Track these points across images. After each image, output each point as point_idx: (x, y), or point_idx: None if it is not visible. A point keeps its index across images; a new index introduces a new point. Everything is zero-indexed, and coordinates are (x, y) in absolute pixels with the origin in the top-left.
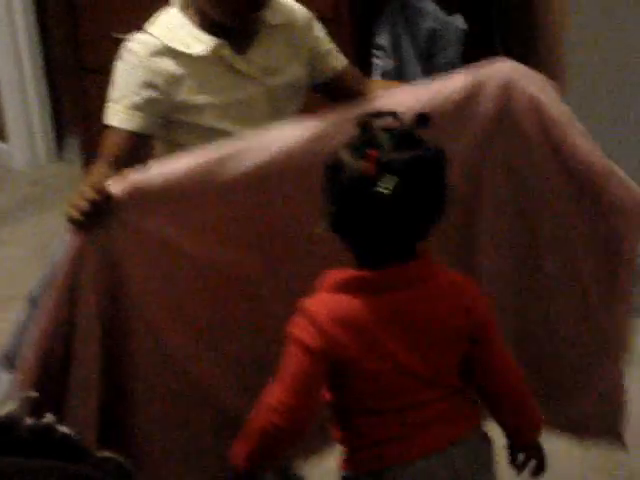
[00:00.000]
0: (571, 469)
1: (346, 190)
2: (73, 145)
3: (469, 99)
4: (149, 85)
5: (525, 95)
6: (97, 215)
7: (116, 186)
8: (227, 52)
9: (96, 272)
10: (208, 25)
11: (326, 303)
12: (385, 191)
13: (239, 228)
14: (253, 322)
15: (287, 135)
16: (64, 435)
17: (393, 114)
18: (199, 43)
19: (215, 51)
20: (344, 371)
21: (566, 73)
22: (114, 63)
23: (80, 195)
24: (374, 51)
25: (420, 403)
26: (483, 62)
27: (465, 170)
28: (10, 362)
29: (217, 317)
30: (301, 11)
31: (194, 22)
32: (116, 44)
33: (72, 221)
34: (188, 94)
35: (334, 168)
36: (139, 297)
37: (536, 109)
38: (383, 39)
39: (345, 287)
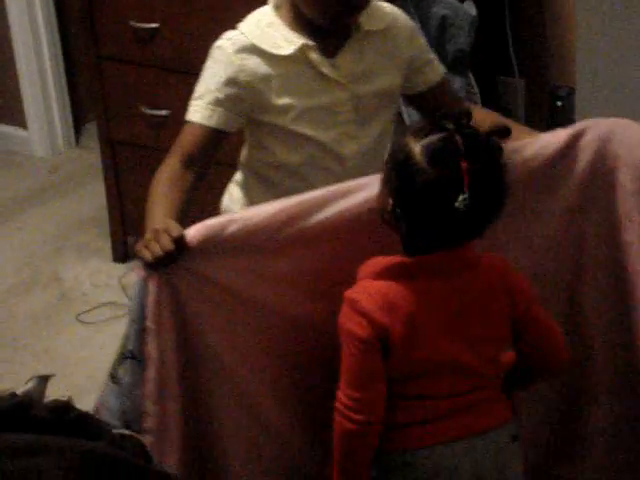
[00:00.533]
0: None
1: (418, 194)
2: (91, 132)
3: (564, 153)
4: (233, 82)
5: (626, 148)
6: (170, 262)
7: (193, 236)
8: (314, 54)
9: (171, 312)
10: (300, 24)
11: (369, 290)
12: (462, 207)
13: (314, 278)
14: (325, 371)
15: (373, 185)
16: (80, 414)
17: (468, 116)
18: (287, 43)
19: (302, 52)
20: (385, 355)
21: (576, 61)
22: (134, 51)
23: (154, 237)
24: None
25: (453, 393)
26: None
27: (562, 242)
28: (127, 423)
29: (288, 367)
30: (403, 20)
31: (285, 21)
32: (133, 32)
33: (144, 263)
34: (272, 94)
35: (406, 166)
36: (211, 343)
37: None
38: None
39: (390, 273)
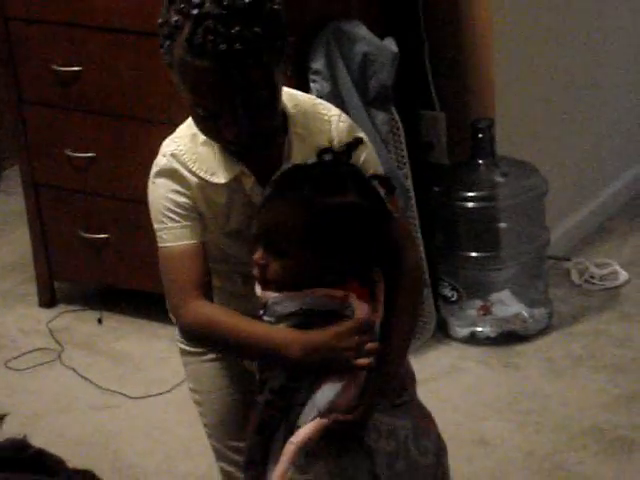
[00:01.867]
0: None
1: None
2: (11, 177)
3: None
4: (180, 193)
5: None
6: None
7: None
8: (248, 182)
9: None
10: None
11: None
12: None
13: None
14: None
15: None
16: (38, 450)
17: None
18: (222, 170)
19: (236, 179)
20: None
21: (495, 94)
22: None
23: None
24: (310, 75)
25: None
26: None
27: None
28: None
29: None
30: (345, 130)
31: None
32: (55, 75)
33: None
34: (204, 213)
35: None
36: None
37: None
38: (318, 64)
39: None
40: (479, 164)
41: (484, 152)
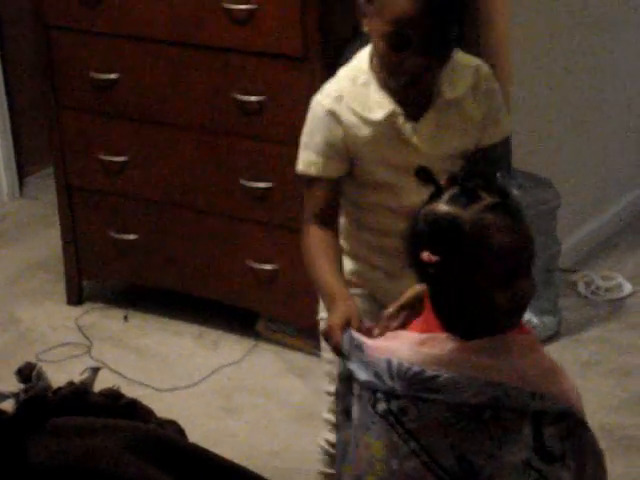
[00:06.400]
0: None
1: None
2: (34, 183)
3: None
4: (335, 137)
5: None
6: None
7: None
8: (400, 120)
9: None
10: (389, 86)
11: None
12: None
13: None
14: None
15: None
16: (131, 400)
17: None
18: (378, 107)
19: (390, 117)
20: None
21: (511, 108)
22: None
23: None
24: None
25: None
26: None
27: None
28: None
29: None
30: (484, 75)
31: (377, 78)
32: (92, 82)
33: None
34: (361, 151)
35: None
36: None
37: None
38: None
39: None
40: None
41: (500, 165)
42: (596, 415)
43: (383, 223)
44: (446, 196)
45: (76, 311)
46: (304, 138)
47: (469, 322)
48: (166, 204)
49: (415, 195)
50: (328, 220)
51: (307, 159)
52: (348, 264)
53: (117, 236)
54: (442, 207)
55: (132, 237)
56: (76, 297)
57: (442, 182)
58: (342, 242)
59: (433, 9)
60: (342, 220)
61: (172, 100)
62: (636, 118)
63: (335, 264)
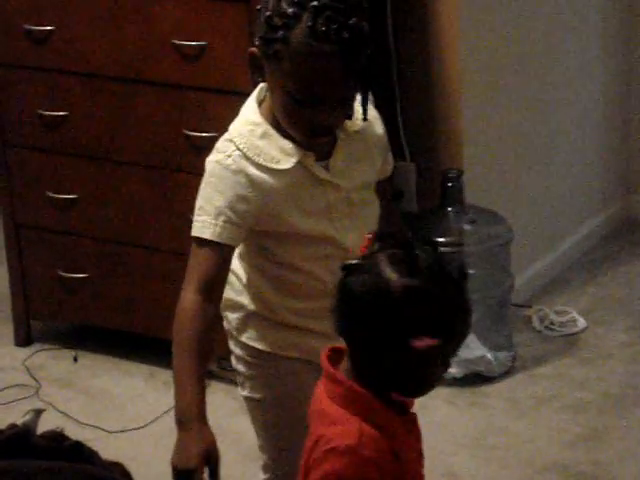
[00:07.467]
0: None
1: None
2: None
3: None
4: (243, 199)
5: None
6: None
7: None
8: (310, 162)
9: None
10: (292, 136)
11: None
12: None
13: None
14: None
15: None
16: (75, 442)
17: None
18: (284, 156)
19: (299, 164)
20: None
21: (463, 145)
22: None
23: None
24: None
25: None
26: None
27: None
28: None
29: None
30: (372, 110)
31: (274, 125)
32: (39, 120)
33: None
34: (276, 205)
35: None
36: None
37: None
38: None
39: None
40: (448, 212)
41: (453, 200)
42: (551, 450)
43: (313, 285)
44: (394, 267)
45: (24, 352)
46: (200, 202)
47: (387, 383)
48: (116, 242)
49: (349, 231)
50: (212, 291)
51: (204, 222)
52: (272, 334)
53: (66, 275)
54: (415, 282)
55: (81, 276)
56: (24, 338)
57: (362, 251)
58: (264, 312)
59: (346, 66)
60: (256, 290)
61: (122, 137)
62: (589, 154)
63: (203, 365)
